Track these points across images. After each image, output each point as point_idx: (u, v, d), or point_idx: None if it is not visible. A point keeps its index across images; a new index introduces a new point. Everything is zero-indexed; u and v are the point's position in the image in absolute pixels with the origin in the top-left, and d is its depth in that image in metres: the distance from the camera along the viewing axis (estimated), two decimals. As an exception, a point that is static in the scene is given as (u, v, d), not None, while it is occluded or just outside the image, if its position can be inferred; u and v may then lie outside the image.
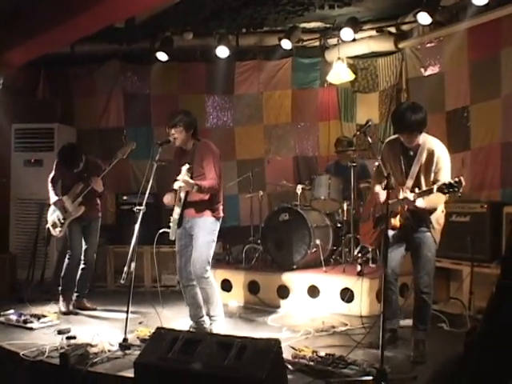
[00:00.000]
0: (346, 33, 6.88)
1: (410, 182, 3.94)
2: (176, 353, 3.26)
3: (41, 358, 3.90)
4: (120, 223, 7.31)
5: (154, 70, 8.21)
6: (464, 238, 5.15)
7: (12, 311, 5.17)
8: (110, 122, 8.28)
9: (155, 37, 7.58)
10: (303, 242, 6.15)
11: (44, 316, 5.05)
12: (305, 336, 4.62)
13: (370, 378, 3.38)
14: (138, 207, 4.42)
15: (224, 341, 3.32)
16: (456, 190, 3.55)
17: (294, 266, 6.18)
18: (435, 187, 3.66)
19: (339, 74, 7.46)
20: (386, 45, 7.43)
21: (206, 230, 4.57)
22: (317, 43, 7.97)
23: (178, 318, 5.13)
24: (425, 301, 3.99)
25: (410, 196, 3.82)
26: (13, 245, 7.45)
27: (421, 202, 3.82)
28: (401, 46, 7.30)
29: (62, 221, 5.57)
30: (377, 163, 4.34)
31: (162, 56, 7.59)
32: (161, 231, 4.60)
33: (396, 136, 4.10)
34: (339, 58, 7.42)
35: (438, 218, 4.01)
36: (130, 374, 3.47)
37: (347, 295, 5.48)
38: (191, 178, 4.47)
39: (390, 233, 3.94)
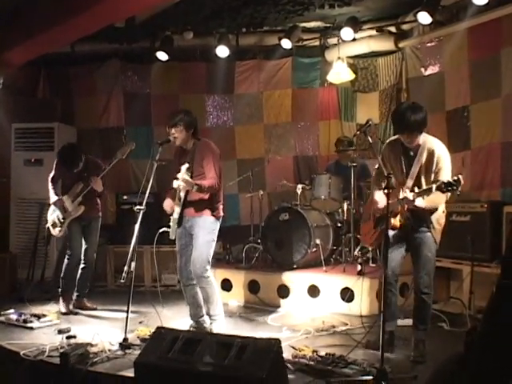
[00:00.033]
0: (346, 32, 6.88)
1: (410, 182, 3.94)
2: (176, 352, 3.26)
3: (41, 358, 3.89)
4: (120, 223, 7.30)
5: (154, 70, 8.21)
6: (464, 238, 5.15)
7: (12, 311, 5.17)
8: (110, 121, 8.28)
9: (155, 36, 7.58)
10: (303, 241, 6.15)
11: (44, 315, 5.04)
12: (305, 335, 4.62)
13: (371, 377, 3.38)
14: (138, 207, 4.42)
15: (224, 340, 3.32)
16: (455, 188, 3.55)
17: (294, 266, 6.18)
18: (434, 186, 3.66)
19: (339, 73, 7.46)
20: (386, 44, 7.43)
21: (206, 230, 4.57)
22: (317, 43, 7.97)
23: (178, 318, 5.13)
24: (425, 301, 3.99)
25: (410, 195, 3.81)
26: (13, 244, 7.45)
27: (420, 202, 3.81)
28: (401, 45, 7.30)
29: (62, 220, 5.57)
30: (377, 165, 4.34)
31: (162, 55, 7.59)
32: (161, 231, 4.61)
33: (396, 137, 4.10)
34: (339, 58, 7.42)
35: (438, 218, 4.01)
36: (130, 373, 3.47)
37: (347, 295, 5.48)
38: (191, 177, 4.48)
39: (391, 233, 3.94)
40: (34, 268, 6.67)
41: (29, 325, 4.84)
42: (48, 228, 5.72)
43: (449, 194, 3.79)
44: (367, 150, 6.87)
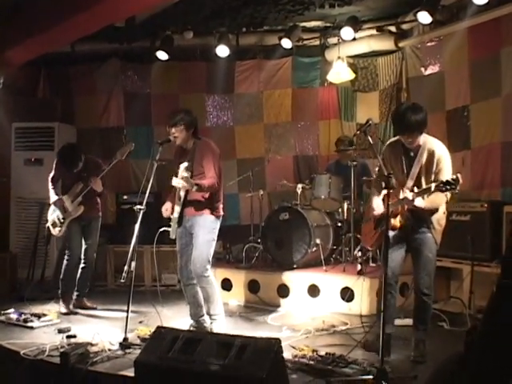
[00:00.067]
0: (347, 32, 6.88)
1: (410, 183, 3.94)
2: (176, 352, 3.26)
3: (41, 357, 3.90)
4: (120, 223, 7.30)
5: (154, 69, 8.21)
6: (464, 238, 5.15)
7: (12, 310, 5.17)
8: (110, 121, 8.28)
9: (155, 36, 7.57)
10: (303, 241, 6.15)
11: (44, 315, 5.05)
12: (305, 335, 4.62)
13: (371, 377, 3.39)
14: (138, 206, 4.42)
15: (224, 340, 3.32)
16: (453, 187, 3.55)
17: (294, 266, 6.18)
18: (433, 185, 3.66)
19: (339, 73, 7.46)
20: (386, 44, 7.43)
21: (206, 229, 4.57)
22: (317, 42, 7.97)
23: (178, 317, 5.13)
24: (425, 302, 3.99)
25: (409, 195, 3.82)
26: (13, 244, 7.45)
27: (420, 202, 3.81)
28: (401, 45, 7.30)
29: (62, 220, 5.57)
30: (377, 168, 4.34)
31: (162, 55, 7.58)
32: (161, 230, 4.61)
33: (397, 138, 4.10)
34: (339, 57, 7.41)
35: (439, 219, 4.00)
36: (131, 373, 3.47)
37: (347, 294, 5.48)
38: (191, 176, 4.48)
39: (391, 233, 3.93)
40: (34, 267, 6.66)
41: (29, 324, 4.85)
42: (48, 228, 5.72)
43: (449, 194, 3.80)
44: (367, 150, 6.87)
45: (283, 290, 5.94)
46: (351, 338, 4.47)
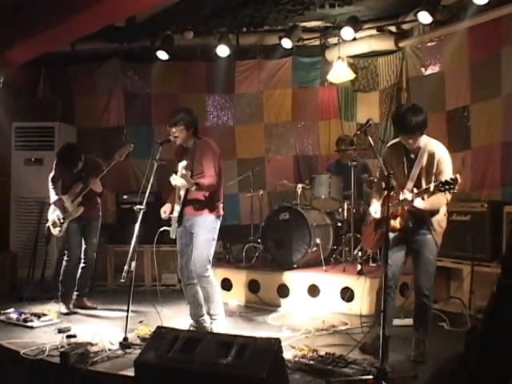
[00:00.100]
0: (347, 32, 6.88)
1: (410, 184, 3.94)
2: (176, 352, 3.26)
3: (41, 357, 3.90)
4: (120, 222, 7.31)
5: (154, 69, 8.20)
6: (464, 238, 5.15)
7: (12, 310, 5.18)
8: (110, 120, 8.28)
9: (156, 36, 7.57)
10: (303, 241, 6.14)
11: (44, 315, 5.05)
12: (305, 335, 4.62)
13: (371, 377, 3.39)
14: (138, 206, 4.43)
15: (224, 340, 3.32)
16: (452, 187, 3.56)
17: (294, 265, 6.18)
18: (432, 185, 3.66)
19: (339, 73, 7.46)
20: (386, 44, 7.43)
21: (207, 228, 4.57)
22: (317, 42, 7.97)
23: (178, 317, 5.13)
24: (425, 303, 3.98)
25: (409, 196, 3.82)
26: (13, 243, 7.45)
27: (419, 203, 3.81)
28: (401, 45, 7.30)
29: (62, 220, 5.56)
30: (378, 172, 4.33)
31: (162, 55, 7.58)
32: (161, 230, 4.61)
33: (398, 140, 4.10)
34: (339, 57, 7.41)
35: (439, 221, 4.00)
36: (131, 373, 3.47)
37: (347, 294, 5.48)
38: (191, 176, 4.48)
39: (391, 235, 3.93)
40: (34, 267, 6.66)
41: (29, 324, 4.85)
42: (48, 227, 5.72)
43: (449, 195, 3.80)
44: (367, 150, 6.87)
45: (283, 290, 5.94)
46: (351, 337, 4.47)
